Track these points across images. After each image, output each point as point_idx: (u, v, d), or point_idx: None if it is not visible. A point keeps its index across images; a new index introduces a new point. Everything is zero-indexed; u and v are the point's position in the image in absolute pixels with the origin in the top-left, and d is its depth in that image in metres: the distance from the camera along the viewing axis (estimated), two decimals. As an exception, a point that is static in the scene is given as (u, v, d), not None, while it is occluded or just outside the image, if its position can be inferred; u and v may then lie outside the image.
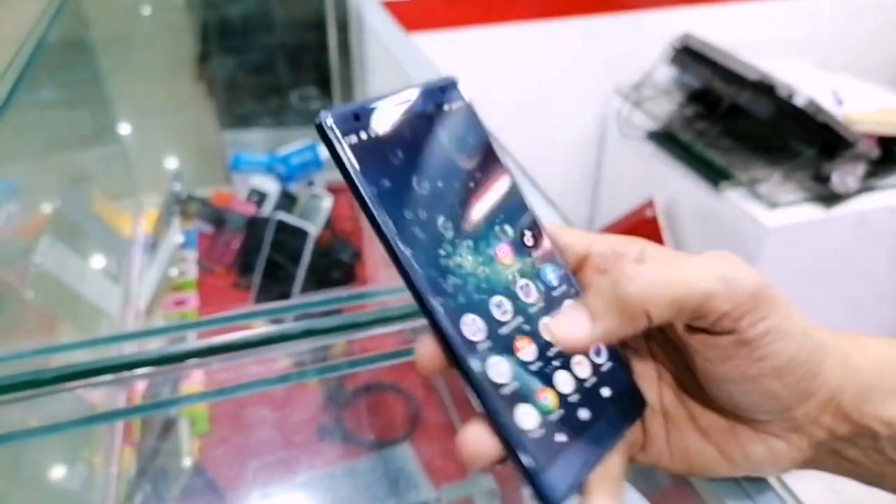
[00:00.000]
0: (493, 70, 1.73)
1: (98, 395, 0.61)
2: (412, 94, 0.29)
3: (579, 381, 0.29)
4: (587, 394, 0.29)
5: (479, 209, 0.30)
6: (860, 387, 0.29)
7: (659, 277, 0.27)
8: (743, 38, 1.72)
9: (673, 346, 0.32)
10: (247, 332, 0.51)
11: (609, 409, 0.30)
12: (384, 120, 0.28)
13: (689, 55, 1.67)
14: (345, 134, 0.26)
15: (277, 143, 1.41)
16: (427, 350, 0.27)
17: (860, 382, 0.29)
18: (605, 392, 0.30)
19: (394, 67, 1.01)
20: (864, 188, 1.44)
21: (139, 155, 1.48)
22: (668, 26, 1.73)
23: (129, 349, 0.53)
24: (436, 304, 0.27)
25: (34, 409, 0.48)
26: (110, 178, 1.39)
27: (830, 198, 1.42)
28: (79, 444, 0.82)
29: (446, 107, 0.30)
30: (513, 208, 0.31)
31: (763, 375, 0.27)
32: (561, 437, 0.28)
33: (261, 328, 0.52)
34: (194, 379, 0.59)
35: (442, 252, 0.28)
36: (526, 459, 0.26)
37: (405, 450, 0.84)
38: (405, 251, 0.27)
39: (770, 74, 1.45)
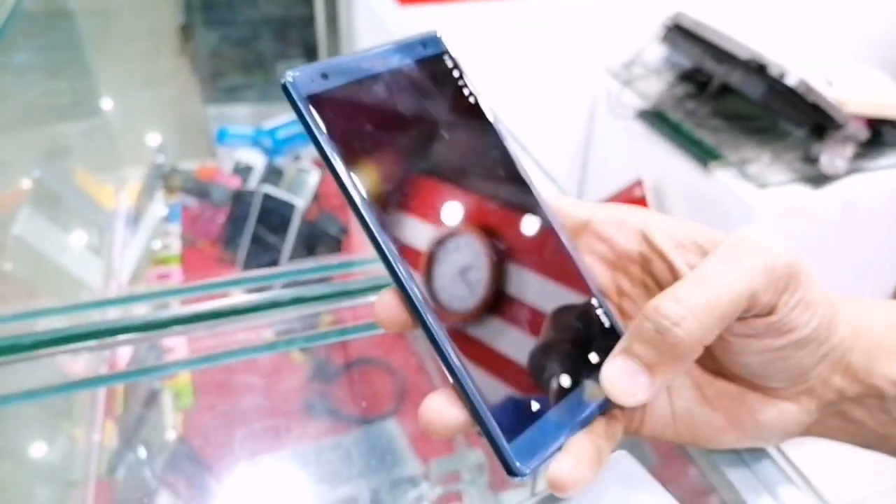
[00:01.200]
0: (483, 46, 1.71)
1: (79, 367, 0.59)
2: (389, 50, 0.28)
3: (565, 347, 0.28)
4: (573, 360, 0.28)
5: (460, 166, 0.28)
6: (868, 346, 0.29)
7: (702, 304, 0.25)
8: (735, 18, 1.71)
9: None
10: (234, 300, 0.50)
11: (597, 377, 0.28)
12: (357, 77, 0.26)
13: (680, 34, 1.65)
14: (311, 93, 0.25)
15: (262, 118, 1.39)
16: (386, 303, 0.26)
17: (868, 342, 0.29)
18: (595, 359, 0.28)
19: (384, 40, 0.99)
20: (853, 170, 1.44)
21: (121, 128, 1.45)
22: (659, 4, 1.71)
23: (112, 316, 0.52)
24: (402, 266, 0.25)
25: (14, 375, 0.47)
26: (92, 151, 1.36)
27: (819, 179, 1.42)
28: (59, 416, 0.81)
29: (427, 62, 0.29)
30: (500, 164, 0.29)
31: (789, 346, 0.27)
32: (537, 405, 0.26)
33: (248, 296, 0.51)
34: (178, 352, 0.57)
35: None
36: (492, 427, 0.25)
37: (392, 424, 0.83)
38: (371, 213, 0.25)
39: (761, 54, 1.45)
